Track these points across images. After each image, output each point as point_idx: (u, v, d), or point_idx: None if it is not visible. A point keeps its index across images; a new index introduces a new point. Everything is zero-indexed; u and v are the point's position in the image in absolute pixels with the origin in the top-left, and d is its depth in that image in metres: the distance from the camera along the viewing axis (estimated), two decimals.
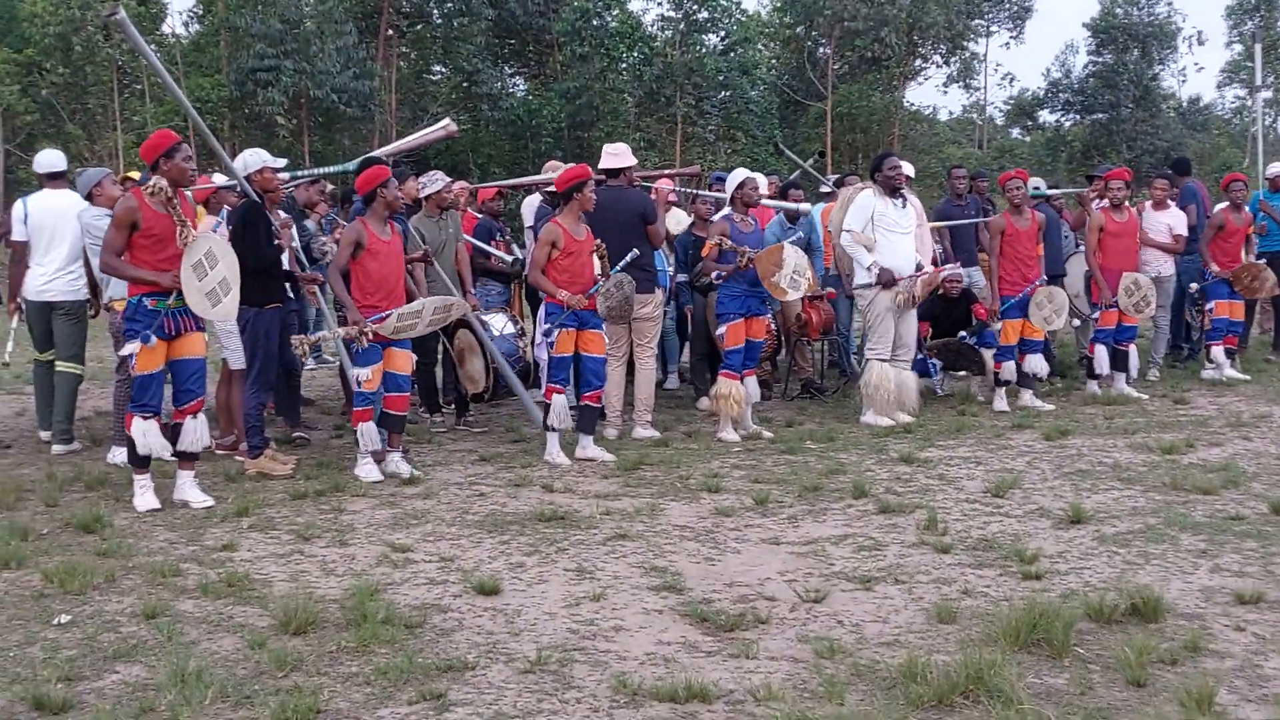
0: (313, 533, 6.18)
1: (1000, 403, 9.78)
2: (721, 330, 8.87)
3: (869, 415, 9.20)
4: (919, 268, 9.41)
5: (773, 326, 9.96)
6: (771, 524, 6.39)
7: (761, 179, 9.51)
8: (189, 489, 6.84)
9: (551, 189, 9.47)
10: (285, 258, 7.88)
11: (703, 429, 9.14)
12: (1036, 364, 9.90)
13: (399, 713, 3.92)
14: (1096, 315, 10.33)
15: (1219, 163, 39.77)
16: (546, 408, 8.00)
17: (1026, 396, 9.86)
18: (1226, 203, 11.63)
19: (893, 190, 9.31)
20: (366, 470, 7.44)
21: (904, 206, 9.35)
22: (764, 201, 9.52)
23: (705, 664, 4.35)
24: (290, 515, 6.58)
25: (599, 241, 8.23)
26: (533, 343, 8.56)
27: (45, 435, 8.77)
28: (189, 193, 7.09)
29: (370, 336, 7.38)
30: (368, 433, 7.49)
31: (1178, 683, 4.03)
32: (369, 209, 7.60)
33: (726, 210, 9.07)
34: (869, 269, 9.17)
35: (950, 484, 7.26)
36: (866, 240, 9.17)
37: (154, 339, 6.57)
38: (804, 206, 10.13)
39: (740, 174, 9.19)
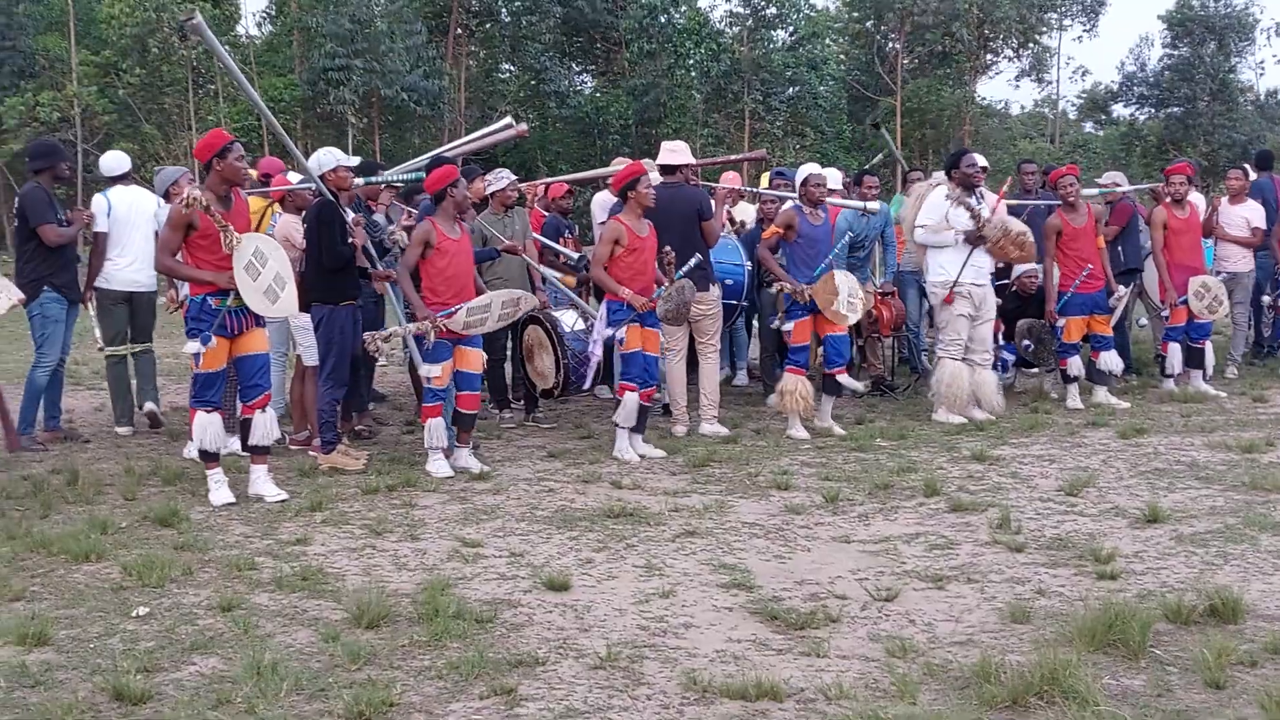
0: (385, 527, 6.24)
1: (1074, 400, 9.65)
2: (788, 326, 8.81)
3: (940, 413, 9.12)
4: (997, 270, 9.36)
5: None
6: (842, 522, 6.35)
7: (834, 173, 9.45)
8: (263, 484, 6.94)
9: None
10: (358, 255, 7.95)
11: (772, 426, 9.11)
12: (1110, 361, 9.74)
13: (470, 707, 3.94)
14: (1167, 313, 10.14)
15: None
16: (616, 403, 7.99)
17: (1101, 394, 9.71)
18: None
19: (970, 188, 9.20)
20: (437, 466, 7.51)
21: (980, 204, 9.24)
22: (831, 200, 9.47)
23: (776, 662, 4.34)
24: (363, 510, 6.65)
25: (668, 249, 8.23)
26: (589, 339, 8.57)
27: (123, 430, 8.99)
28: (244, 193, 7.21)
29: (440, 332, 7.44)
30: (435, 429, 7.54)
31: (1258, 685, 3.95)
32: (438, 208, 7.65)
33: (796, 201, 9.02)
34: (956, 235, 9.08)
35: (1023, 482, 7.17)
36: (942, 237, 9.09)
37: (214, 339, 6.68)
38: (873, 205, 10.06)
39: (807, 169, 9.13)
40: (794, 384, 8.67)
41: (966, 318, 9.13)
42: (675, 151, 9.13)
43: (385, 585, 5.24)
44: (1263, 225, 11.15)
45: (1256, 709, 3.76)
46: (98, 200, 8.94)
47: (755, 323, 11.06)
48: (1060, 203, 9.85)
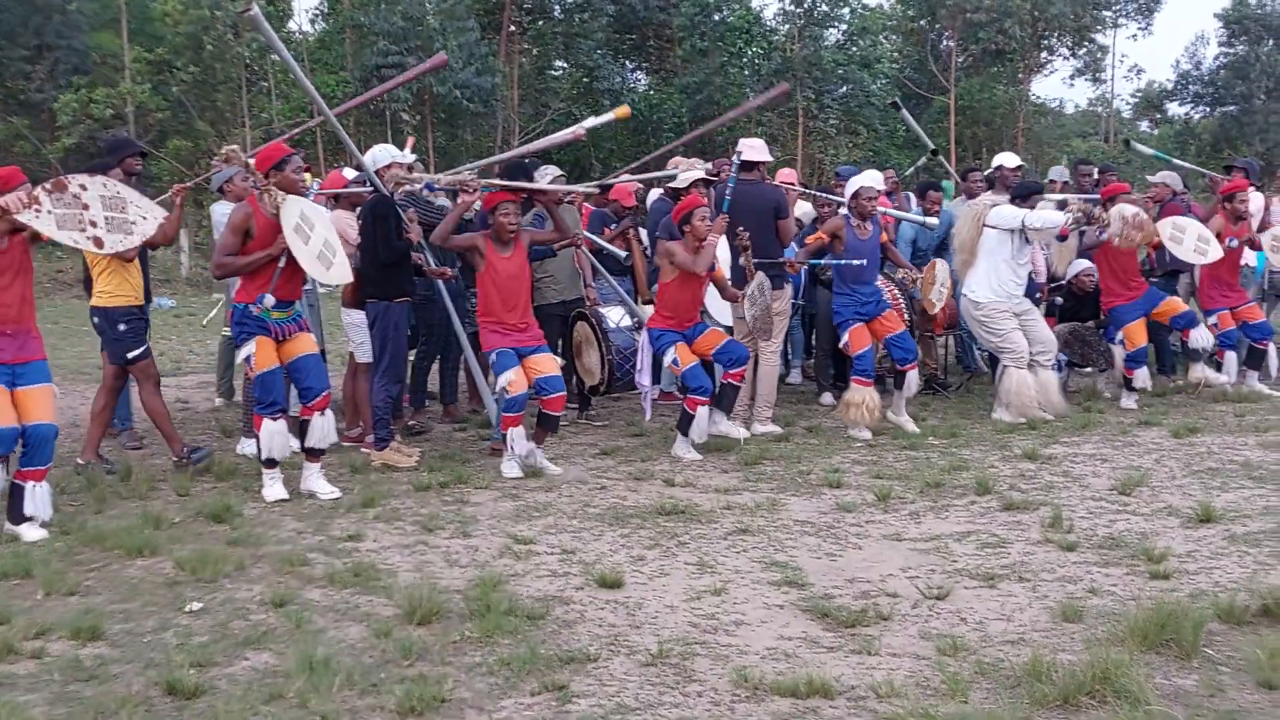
0: (437, 524, 6.30)
1: (1128, 400, 9.55)
2: (845, 338, 8.72)
3: (1002, 413, 9.06)
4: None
5: (906, 315, 9.81)
6: (893, 520, 6.34)
7: (876, 175, 9.42)
8: (316, 480, 7.03)
9: (674, 185, 9.49)
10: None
11: (824, 424, 9.10)
12: (1201, 337, 9.59)
13: (522, 703, 3.98)
14: (1214, 320, 9.99)
15: None
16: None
17: (1198, 370, 9.59)
18: None
19: None
20: (508, 467, 7.49)
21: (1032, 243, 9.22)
22: (887, 212, 9.44)
23: (826, 659, 4.35)
24: (415, 506, 6.72)
25: (741, 229, 8.23)
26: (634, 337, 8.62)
27: (218, 401, 10.17)
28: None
29: (477, 194, 7.60)
30: (516, 438, 7.48)
31: None
32: (489, 228, 7.71)
33: (846, 211, 8.94)
34: (1067, 215, 8.97)
35: (1075, 481, 7.12)
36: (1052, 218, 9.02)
37: (255, 340, 6.82)
38: (932, 220, 10.02)
39: (857, 182, 8.90)
40: (860, 396, 8.56)
41: (1019, 330, 9.07)
42: (755, 149, 9.07)
43: (437, 581, 5.29)
44: None
45: None
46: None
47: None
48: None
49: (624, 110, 10.09)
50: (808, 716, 3.86)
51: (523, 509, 6.64)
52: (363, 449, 8.14)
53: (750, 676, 4.14)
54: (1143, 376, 9.57)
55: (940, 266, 8.86)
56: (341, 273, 7.06)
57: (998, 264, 9.03)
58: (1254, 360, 10.02)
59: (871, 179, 8.93)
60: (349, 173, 8.97)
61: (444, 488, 7.14)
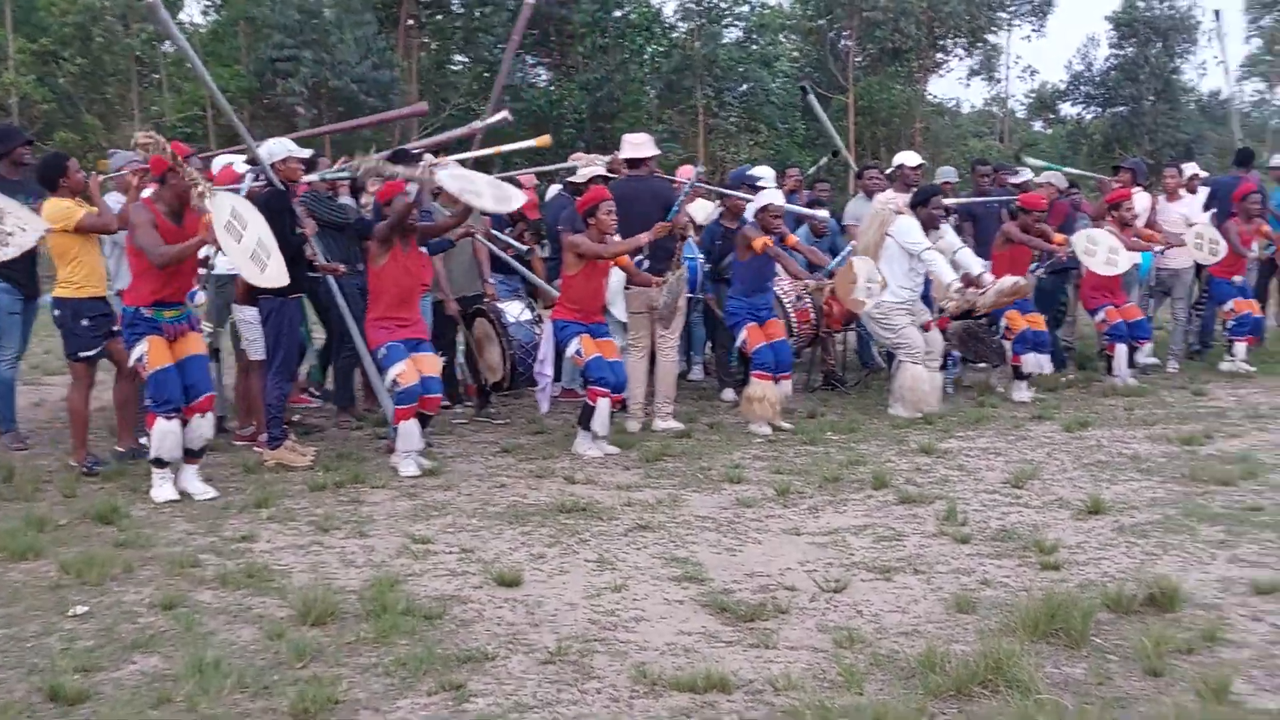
0: (332, 524, 6.20)
1: (1020, 394, 9.74)
2: (742, 336, 8.85)
3: (897, 408, 9.19)
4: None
5: (813, 316, 9.92)
6: (792, 514, 6.39)
7: (768, 171, 9.51)
8: (192, 481, 6.87)
9: (573, 179, 9.46)
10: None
11: (725, 420, 9.14)
12: (1033, 362, 9.86)
13: (418, 703, 3.94)
14: (1102, 316, 10.24)
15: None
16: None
17: (1021, 392, 9.81)
18: None
19: (932, 227, 9.31)
20: (405, 465, 7.40)
21: (939, 241, 9.35)
22: (788, 206, 9.52)
23: (725, 654, 4.36)
24: (309, 506, 6.61)
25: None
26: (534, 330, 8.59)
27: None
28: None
29: (433, 179, 7.48)
30: (407, 433, 7.39)
31: (1195, 673, 4.03)
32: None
33: (753, 220, 9.04)
34: (950, 286, 9.07)
35: (970, 475, 7.24)
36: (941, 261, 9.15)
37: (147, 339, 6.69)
38: (821, 214, 10.10)
39: (765, 199, 9.03)
40: (761, 391, 8.63)
41: (913, 326, 9.22)
42: (639, 145, 9.11)
43: (332, 582, 5.21)
44: (1200, 222, 11.30)
45: (1193, 696, 3.84)
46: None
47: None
48: (1010, 200, 9.97)
49: (545, 140, 10.10)
50: (705, 711, 3.87)
51: (420, 508, 6.56)
52: (256, 448, 7.98)
53: (649, 672, 4.13)
54: (1031, 361, 9.76)
55: (859, 264, 8.88)
56: (276, 274, 6.83)
57: (895, 271, 9.15)
58: (1131, 358, 10.26)
59: (778, 197, 9.17)
60: (240, 167, 8.79)
61: (340, 487, 7.02)
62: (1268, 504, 6.36)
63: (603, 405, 7.88)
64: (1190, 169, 12.11)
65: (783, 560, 5.55)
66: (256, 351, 8.12)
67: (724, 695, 3.97)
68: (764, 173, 10.50)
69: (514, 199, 7.71)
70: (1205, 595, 4.92)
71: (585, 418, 7.93)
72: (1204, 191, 12.05)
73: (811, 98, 13.42)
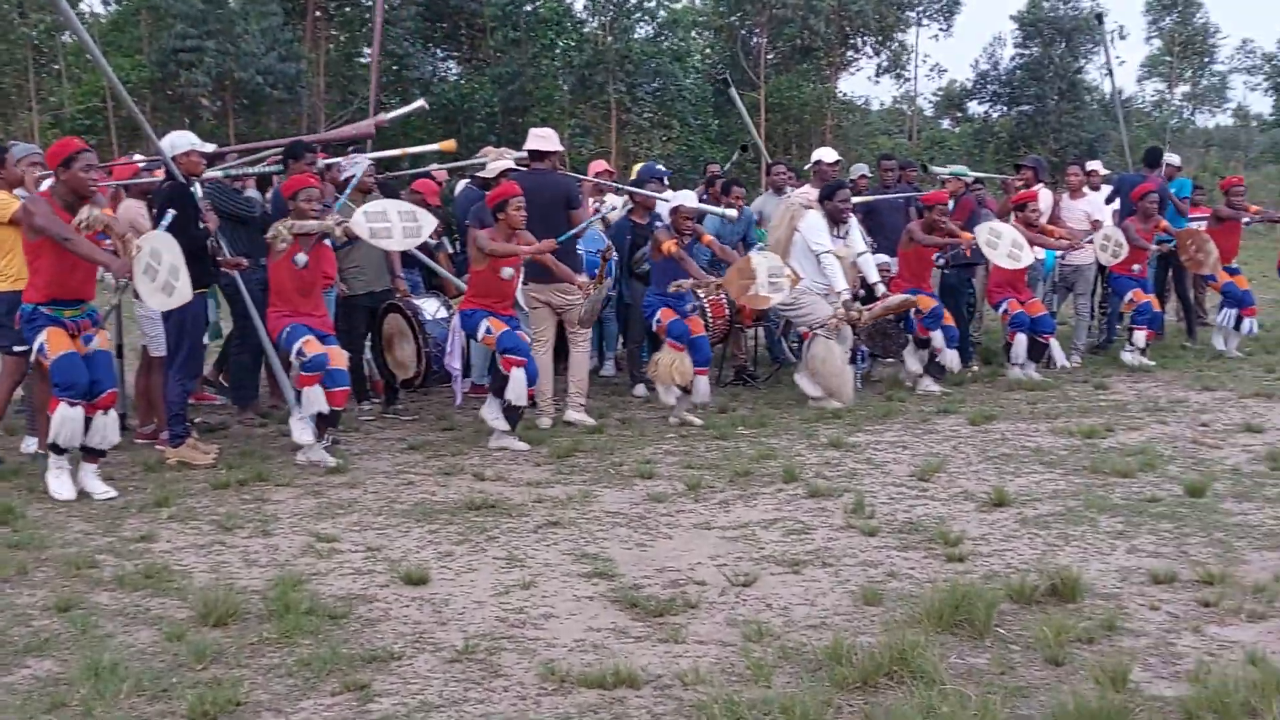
0: (235, 523, 6.09)
1: (925, 384, 9.86)
2: (657, 316, 8.89)
3: (804, 381, 9.27)
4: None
5: (727, 311, 9.96)
6: (703, 509, 6.40)
7: (691, 194, 9.61)
8: (91, 480, 6.70)
9: (482, 174, 9.39)
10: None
11: (637, 416, 9.13)
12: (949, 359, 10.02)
13: (322, 704, 3.87)
14: (1005, 308, 10.41)
15: (1140, 155, 40.39)
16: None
17: (926, 383, 9.96)
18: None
19: (839, 222, 9.37)
20: (302, 432, 7.32)
21: (845, 235, 9.42)
22: (698, 207, 9.56)
23: (634, 649, 4.35)
24: (212, 505, 6.47)
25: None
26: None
27: None
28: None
29: (346, 230, 7.35)
30: (311, 397, 7.29)
31: (1094, 661, 4.10)
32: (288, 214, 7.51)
33: (665, 221, 9.07)
34: (841, 295, 9.19)
35: (878, 468, 7.32)
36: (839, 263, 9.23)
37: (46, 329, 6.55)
38: (731, 212, 10.15)
39: (677, 201, 9.11)
40: (671, 357, 8.69)
41: (826, 304, 9.30)
42: (544, 139, 9.08)
43: (234, 582, 5.11)
44: (1102, 218, 11.55)
45: (1092, 684, 3.90)
46: None
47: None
48: (917, 199, 10.09)
49: (449, 144, 10.04)
50: (614, 707, 3.85)
51: (326, 506, 6.46)
52: (157, 446, 7.81)
53: (557, 669, 4.11)
54: (938, 339, 9.85)
55: (757, 259, 8.90)
56: (184, 294, 6.87)
57: (806, 267, 9.23)
58: (1035, 352, 10.45)
59: (689, 198, 9.25)
60: (139, 158, 8.60)
61: (243, 485, 6.89)
62: (1165, 495, 6.51)
63: (517, 374, 7.75)
64: (1093, 166, 12.35)
65: (693, 555, 5.56)
66: (157, 348, 7.95)
67: (633, 691, 3.96)
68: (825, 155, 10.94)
69: (424, 230, 7.63)
70: (1105, 585, 5.02)
71: (499, 385, 7.86)
72: (1106, 188, 12.32)
73: (733, 90, 13.56)
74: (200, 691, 3.86)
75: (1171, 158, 13.34)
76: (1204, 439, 7.98)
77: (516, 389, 7.77)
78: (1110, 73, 15.51)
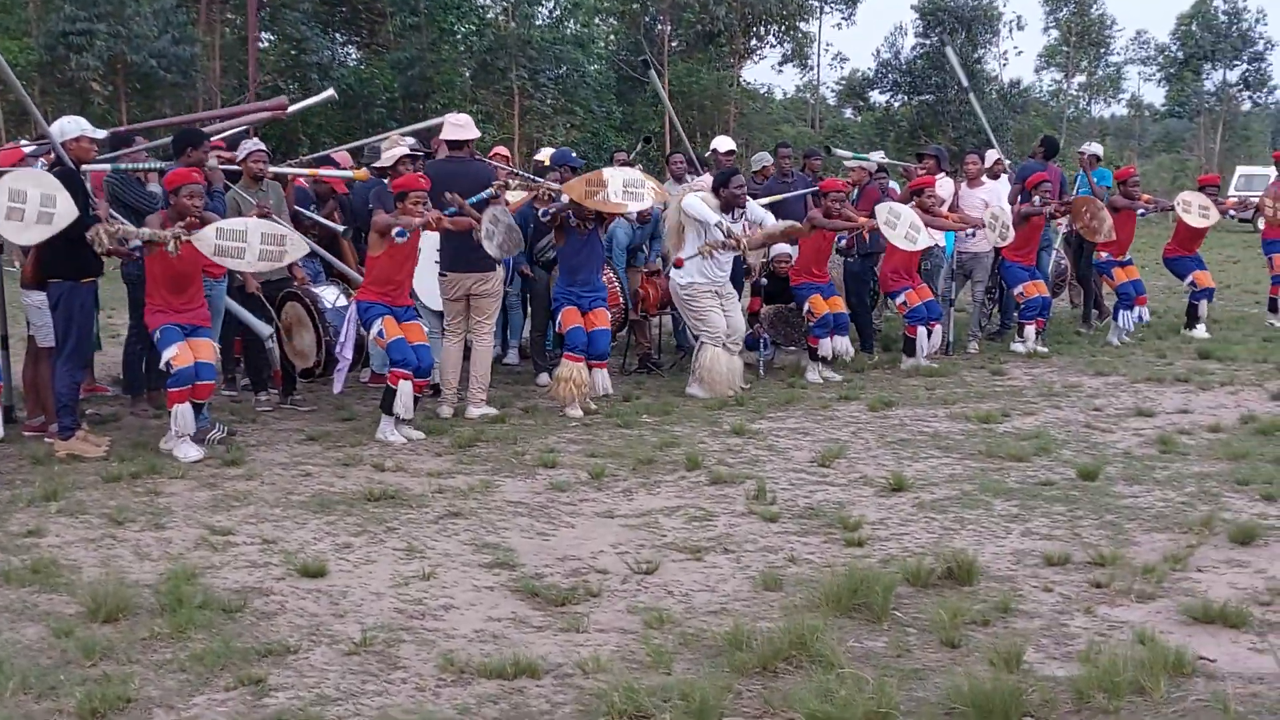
0: (126, 516, 5.94)
1: (813, 375, 9.94)
2: (559, 318, 8.89)
3: (695, 388, 9.31)
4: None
5: (623, 301, 9.97)
6: (606, 497, 6.40)
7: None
8: None
9: (379, 164, 9.25)
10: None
11: (540, 405, 9.09)
12: (832, 347, 10.09)
13: (215, 699, 3.80)
14: (903, 299, 10.56)
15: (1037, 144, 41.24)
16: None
17: (813, 373, 10.06)
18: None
19: (733, 209, 9.41)
20: (184, 450, 7.18)
21: (738, 221, 9.46)
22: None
23: (535, 639, 4.34)
24: (102, 498, 6.32)
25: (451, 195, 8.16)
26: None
27: None
28: None
29: (181, 244, 7.08)
30: (183, 415, 7.18)
31: (988, 643, 4.17)
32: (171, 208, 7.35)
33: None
34: (724, 235, 9.16)
35: (779, 454, 7.37)
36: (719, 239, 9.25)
37: None
38: (632, 212, 10.15)
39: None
40: (569, 371, 8.65)
41: (719, 311, 9.35)
42: (461, 126, 8.97)
43: (125, 576, 4.99)
44: (1001, 204, 11.75)
45: (986, 665, 3.97)
46: None
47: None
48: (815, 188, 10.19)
49: (363, 174, 9.87)
50: (514, 697, 3.83)
51: (220, 498, 6.34)
52: (46, 439, 7.60)
53: (456, 660, 4.08)
54: (825, 346, 9.95)
55: (608, 172, 8.88)
56: (65, 215, 6.72)
57: (699, 247, 9.26)
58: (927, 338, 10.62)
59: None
60: (26, 144, 8.34)
61: (135, 478, 6.73)
62: (1059, 479, 6.65)
63: (404, 388, 7.71)
64: (993, 155, 12.56)
65: (595, 543, 5.55)
66: (45, 338, 7.73)
67: (533, 680, 3.95)
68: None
69: (287, 255, 7.54)
70: (1000, 568, 5.12)
71: (387, 401, 7.79)
72: (1005, 178, 12.52)
73: (653, 73, 13.62)
74: (89, 689, 3.77)
75: (1094, 147, 13.58)
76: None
77: (403, 403, 7.74)
78: (964, 85, 15.76)
